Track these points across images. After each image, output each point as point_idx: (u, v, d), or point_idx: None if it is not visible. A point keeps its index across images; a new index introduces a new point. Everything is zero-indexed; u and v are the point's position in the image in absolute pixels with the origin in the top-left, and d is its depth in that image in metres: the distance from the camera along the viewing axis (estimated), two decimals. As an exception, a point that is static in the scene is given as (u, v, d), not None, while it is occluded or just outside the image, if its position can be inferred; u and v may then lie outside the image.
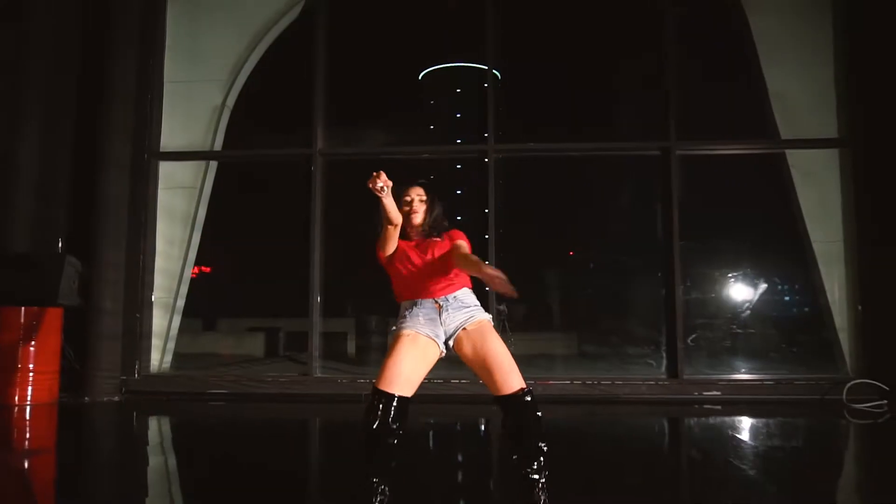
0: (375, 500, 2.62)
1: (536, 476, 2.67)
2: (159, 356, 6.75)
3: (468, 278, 2.94)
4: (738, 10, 6.55)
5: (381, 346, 9.75)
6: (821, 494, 3.29)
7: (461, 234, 3.01)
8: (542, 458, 2.69)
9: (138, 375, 6.46)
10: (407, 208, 2.98)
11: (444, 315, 2.82)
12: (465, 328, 2.78)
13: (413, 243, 2.95)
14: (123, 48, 6.52)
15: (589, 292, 6.44)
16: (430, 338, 2.77)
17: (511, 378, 2.70)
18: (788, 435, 4.89)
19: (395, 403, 2.63)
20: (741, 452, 4.11)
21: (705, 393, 6.01)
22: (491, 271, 2.56)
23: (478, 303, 2.89)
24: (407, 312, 2.84)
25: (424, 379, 2.77)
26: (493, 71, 6.60)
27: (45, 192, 6.44)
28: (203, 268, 7.90)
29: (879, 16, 6.09)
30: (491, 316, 2.89)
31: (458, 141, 10.78)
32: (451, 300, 2.84)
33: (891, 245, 5.97)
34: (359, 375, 6.56)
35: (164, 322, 6.79)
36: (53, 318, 5.93)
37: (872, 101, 6.16)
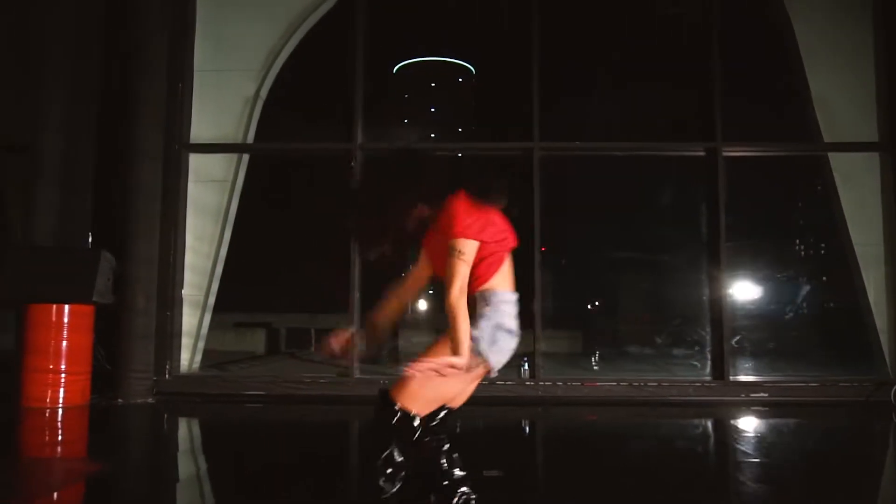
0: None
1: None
2: (189, 355, 6.48)
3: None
4: (782, 15, 6.56)
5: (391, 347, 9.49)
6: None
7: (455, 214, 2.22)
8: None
9: (169, 376, 6.18)
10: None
11: None
12: None
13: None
14: (151, 33, 6.21)
15: (632, 294, 6.35)
16: None
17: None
18: (844, 436, 4.90)
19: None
20: (802, 457, 4.07)
21: (752, 395, 6.03)
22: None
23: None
24: None
25: None
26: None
27: (69, 183, 6.07)
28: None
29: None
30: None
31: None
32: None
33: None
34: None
35: (194, 321, 6.52)
36: (86, 317, 5.63)
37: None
